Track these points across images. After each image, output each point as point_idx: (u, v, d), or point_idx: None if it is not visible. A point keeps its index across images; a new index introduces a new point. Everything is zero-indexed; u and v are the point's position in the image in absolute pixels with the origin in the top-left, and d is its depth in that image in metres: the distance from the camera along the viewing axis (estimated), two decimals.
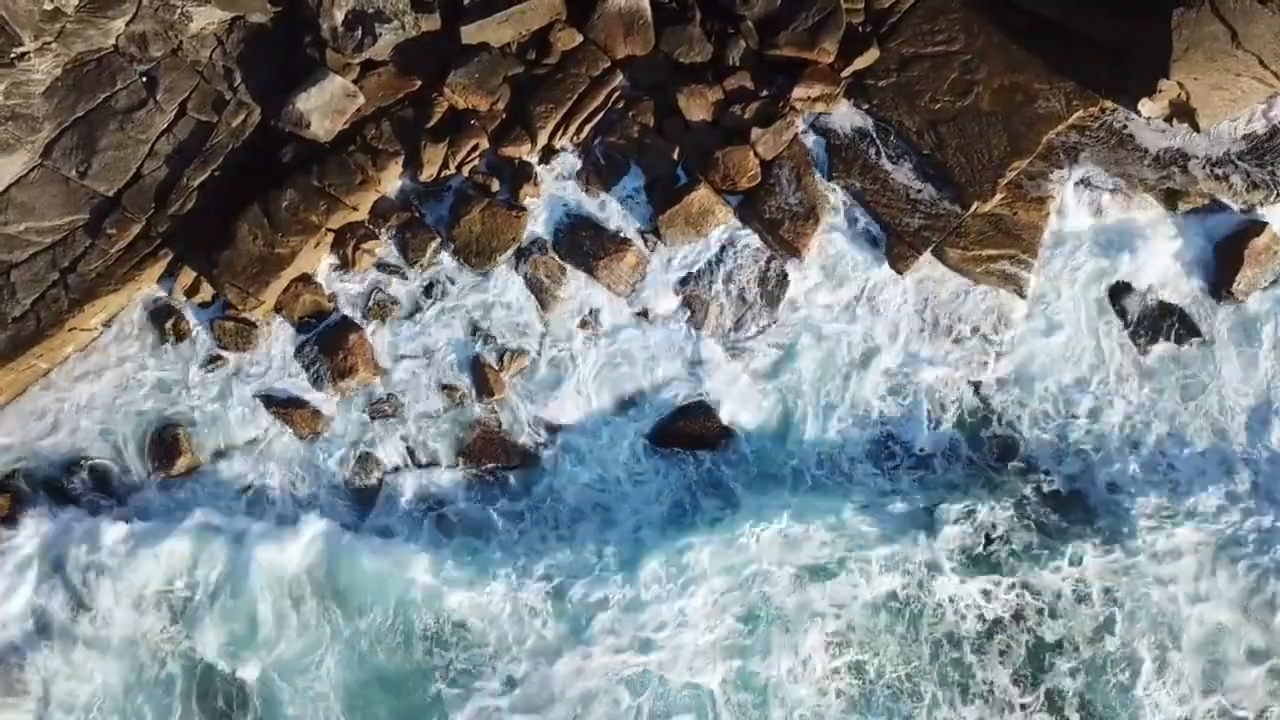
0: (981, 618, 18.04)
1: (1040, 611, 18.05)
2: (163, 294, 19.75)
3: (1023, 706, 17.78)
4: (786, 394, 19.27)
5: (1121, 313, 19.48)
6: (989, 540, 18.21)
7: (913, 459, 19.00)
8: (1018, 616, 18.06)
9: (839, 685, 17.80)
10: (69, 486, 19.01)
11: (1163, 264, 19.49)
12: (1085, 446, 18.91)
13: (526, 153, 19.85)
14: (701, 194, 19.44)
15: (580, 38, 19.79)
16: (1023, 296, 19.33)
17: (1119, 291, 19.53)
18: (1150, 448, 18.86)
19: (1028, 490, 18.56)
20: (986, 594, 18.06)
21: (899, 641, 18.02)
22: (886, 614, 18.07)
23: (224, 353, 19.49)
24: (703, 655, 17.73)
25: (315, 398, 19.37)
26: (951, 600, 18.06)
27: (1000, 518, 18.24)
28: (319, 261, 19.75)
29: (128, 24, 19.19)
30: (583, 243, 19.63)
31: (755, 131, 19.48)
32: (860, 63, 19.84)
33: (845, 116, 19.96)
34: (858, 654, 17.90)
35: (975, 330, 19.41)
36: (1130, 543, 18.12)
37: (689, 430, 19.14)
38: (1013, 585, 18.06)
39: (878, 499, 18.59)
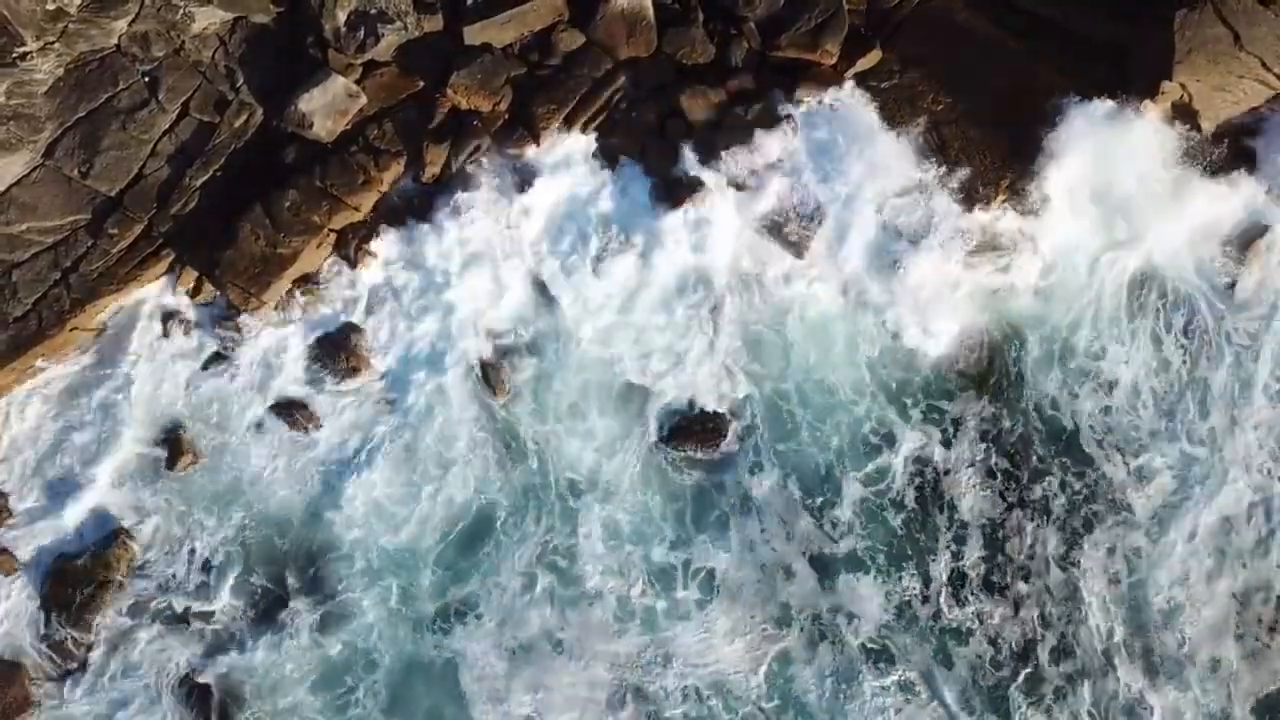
0: None
1: None
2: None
3: None
4: None
5: None
6: None
7: None
8: None
9: None
10: None
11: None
12: None
13: (529, 153, 19.83)
14: (703, 194, 19.45)
15: (583, 39, 19.79)
16: None
17: None
18: None
19: None
20: None
21: None
22: None
23: None
24: None
25: None
26: None
27: None
28: (321, 261, 19.73)
29: (130, 24, 19.15)
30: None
31: (757, 132, 19.48)
32: (863, 64, 19.88)
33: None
34: None
35: None
36: None
37: None
38: None
39: None
